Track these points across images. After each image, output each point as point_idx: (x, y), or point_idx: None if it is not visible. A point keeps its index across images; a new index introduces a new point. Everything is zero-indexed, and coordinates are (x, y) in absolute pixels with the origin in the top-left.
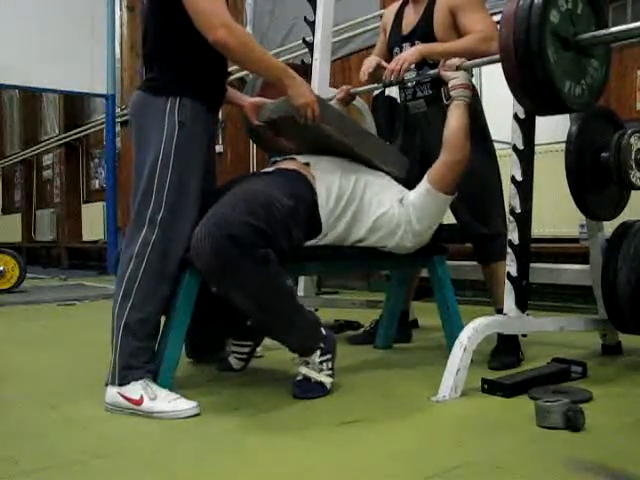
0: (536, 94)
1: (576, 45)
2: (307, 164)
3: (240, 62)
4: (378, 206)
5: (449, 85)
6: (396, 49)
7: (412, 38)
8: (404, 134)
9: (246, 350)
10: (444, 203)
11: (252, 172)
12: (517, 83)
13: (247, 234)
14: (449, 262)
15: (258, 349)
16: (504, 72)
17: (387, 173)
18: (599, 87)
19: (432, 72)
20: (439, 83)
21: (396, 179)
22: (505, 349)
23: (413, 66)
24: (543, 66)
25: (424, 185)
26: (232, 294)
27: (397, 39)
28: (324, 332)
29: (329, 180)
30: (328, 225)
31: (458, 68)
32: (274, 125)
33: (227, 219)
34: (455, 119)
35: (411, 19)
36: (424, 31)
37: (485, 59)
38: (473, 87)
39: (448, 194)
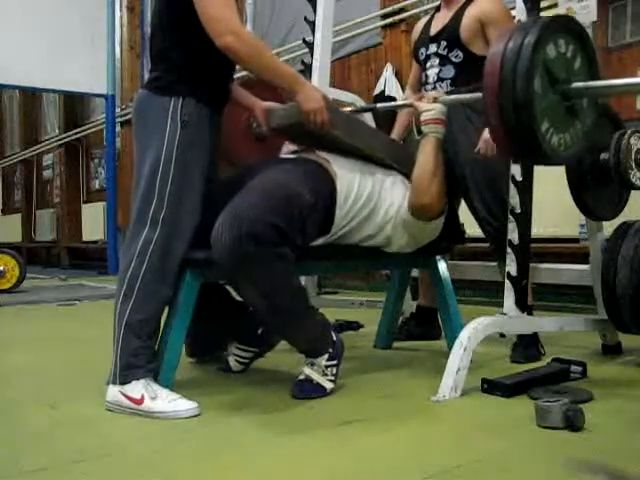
0: (509, 121)
1: (563, 92)
2: (327, 161)
3: (248, 68)
4: (390, 208)
5: (420, 118)
6: (422, 49)
7: (439, 38)
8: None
9: (249, 356)
10: (426, 227)
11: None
12: (494, 103)
13: (265, 232)
14: (449, 262)
15: None
16: (484, 86)
17: (400, 172)
18: (571, 151)
19: (404, 102)
20: (455, 84)
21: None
22: (526, 342)
23: (443, 86)
24: (526, 90)
25: (404, 210)
26: (245, 288)
27: (424, 39)
28: (334, 337)
29: (349, 179)
30: (339, 225)
31: (435, 100)
32: (285, 131)
33: (247, 216)
34: (422, 160)
35: (440, 21)
36: (451, 32)
37: (467, 96)
38: None
39: (428, 220)
